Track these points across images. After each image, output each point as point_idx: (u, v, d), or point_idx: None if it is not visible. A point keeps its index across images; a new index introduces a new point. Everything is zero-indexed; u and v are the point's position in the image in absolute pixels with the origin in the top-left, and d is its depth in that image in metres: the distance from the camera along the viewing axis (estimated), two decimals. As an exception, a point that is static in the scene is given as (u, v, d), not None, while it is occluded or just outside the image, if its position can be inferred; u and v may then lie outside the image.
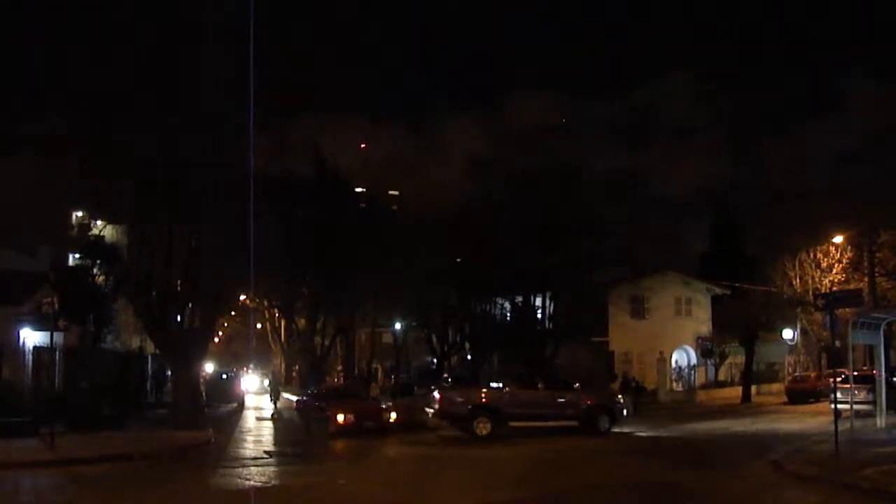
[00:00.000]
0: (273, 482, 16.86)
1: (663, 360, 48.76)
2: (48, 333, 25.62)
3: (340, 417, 27.48)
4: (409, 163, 47.36)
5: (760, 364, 50.91)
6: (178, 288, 29.91)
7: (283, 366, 68.43)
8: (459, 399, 26.99)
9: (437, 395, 27.79)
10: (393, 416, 29.13)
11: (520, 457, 21.34)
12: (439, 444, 25.26)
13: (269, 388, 42.55)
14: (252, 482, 16.73)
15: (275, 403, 38.66)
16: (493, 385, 28.95)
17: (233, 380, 47.98)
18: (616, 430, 27.56)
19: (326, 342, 55.30)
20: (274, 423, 33.74)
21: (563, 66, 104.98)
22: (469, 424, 26.34)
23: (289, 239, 46.61)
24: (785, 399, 43.23)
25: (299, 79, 31.22)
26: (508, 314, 52.24)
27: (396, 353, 59.87)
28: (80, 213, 38.70)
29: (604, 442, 25.09)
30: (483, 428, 26.14)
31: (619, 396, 30.91)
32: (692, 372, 50.84)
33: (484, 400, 27.10)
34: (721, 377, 50.75)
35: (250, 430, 30.82)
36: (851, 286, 39.01)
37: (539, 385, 28.53)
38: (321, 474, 18.36)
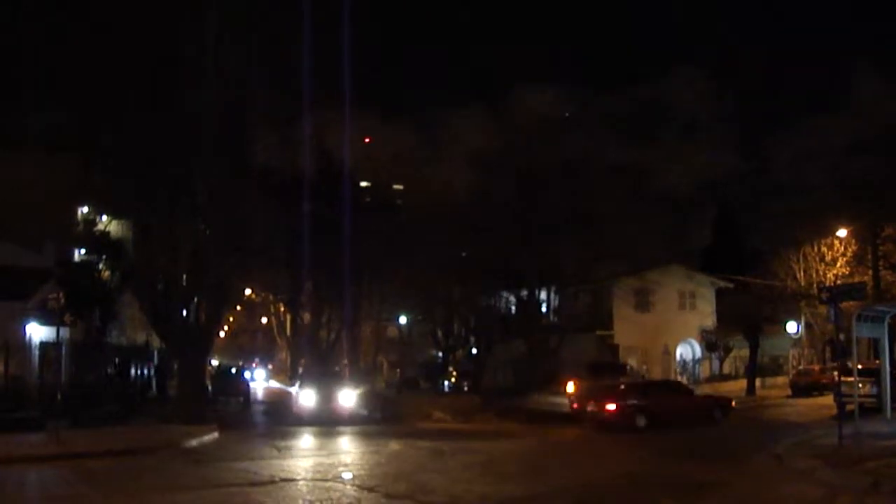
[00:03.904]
0: (277, 477, 16.90)
1: (668, 353, 48.83)
2: (54, 328, 25.79)
3: None
4: (413, 157, 47.18)
5: (765, 357, 50.95)
6: (184, 282, 30.00)
7: (288, 360, 68.59)
8: None
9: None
10: None
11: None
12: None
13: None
14: (257, 477, 16.83)
15: None
16: None
17: (239, 374, 47.90)
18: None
19: (332, 336, 55.40)
20: None
21: (568, 60, 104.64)
22: None
23: (293, 233, 46.67)
24: (789, 392, 43.27)
25: (304, 75, 31.28)
26: (513, 308, 52.29)
27: (401, 346, 59.97)
28: (85, 209, 38.75)
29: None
30: None
31: None
32: (697, 365, 50.89)
33: None
34: (725, 370, 50.79)
35: (256, 426, 30.93)
36: (855, 279, 38.97)
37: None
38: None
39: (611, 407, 27.10)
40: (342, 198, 48.60)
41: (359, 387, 34.68)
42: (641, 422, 26.53)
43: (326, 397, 31.11)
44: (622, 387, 29.75)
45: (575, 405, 31.69)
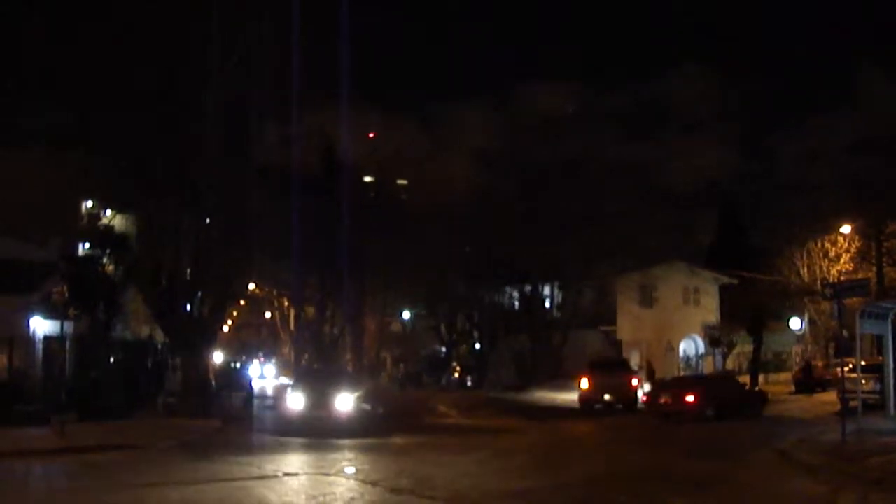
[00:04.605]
0: (280, 471, 16.93)
1: (671, 348, 48.80)
2: (58, 322, 25.81)
3: None
4: (417, 153, 47.32)
5: (768, 353, 50.89)
6: (187, 277, 30.05)
7: (291, 355, 68.50)
8: None
9: None
10: None
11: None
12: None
13: None
14: (260, 471, 16.86)
15: None
16: None
17: (243, 369, 47.84)
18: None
19: (335, 331, 55.45)
20: None
21: (573, 57, 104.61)
22: None
23: (297, 228, 46.69)
24: (792, 388, 43.22)
25: (308, 70, 31.34)
26: (517, 303, 52.35)
27: (405, 342, 59.94)
28: (89, 203, 38.79)
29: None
30: None
31: None
32: (700, 361, 50.85)
33: None
34: (729, 366, 50.72)
35: (260, 420, 30.94)
36: (859, 276, 38.93)
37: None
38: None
39: (690, 399, 28.96)
40: (346, 192, 48.66)
41: (360, 387, 28.31)
42: (710, 412, 28.52)
43: (319, 401, 25.26)
44: (697, 381, 34.00)
45: (584, 399, 32.51)
